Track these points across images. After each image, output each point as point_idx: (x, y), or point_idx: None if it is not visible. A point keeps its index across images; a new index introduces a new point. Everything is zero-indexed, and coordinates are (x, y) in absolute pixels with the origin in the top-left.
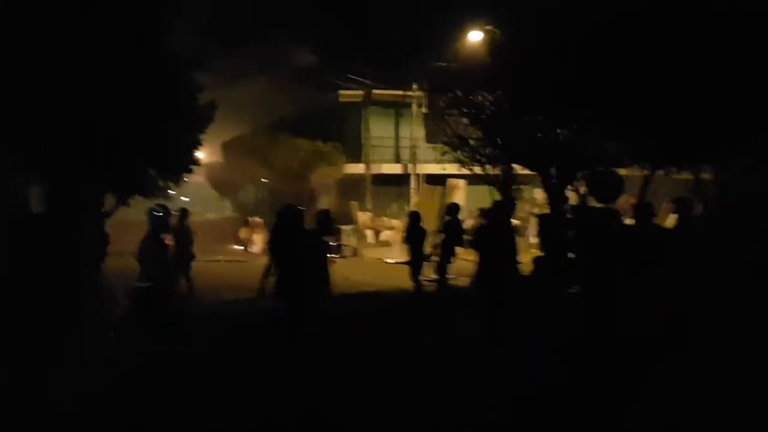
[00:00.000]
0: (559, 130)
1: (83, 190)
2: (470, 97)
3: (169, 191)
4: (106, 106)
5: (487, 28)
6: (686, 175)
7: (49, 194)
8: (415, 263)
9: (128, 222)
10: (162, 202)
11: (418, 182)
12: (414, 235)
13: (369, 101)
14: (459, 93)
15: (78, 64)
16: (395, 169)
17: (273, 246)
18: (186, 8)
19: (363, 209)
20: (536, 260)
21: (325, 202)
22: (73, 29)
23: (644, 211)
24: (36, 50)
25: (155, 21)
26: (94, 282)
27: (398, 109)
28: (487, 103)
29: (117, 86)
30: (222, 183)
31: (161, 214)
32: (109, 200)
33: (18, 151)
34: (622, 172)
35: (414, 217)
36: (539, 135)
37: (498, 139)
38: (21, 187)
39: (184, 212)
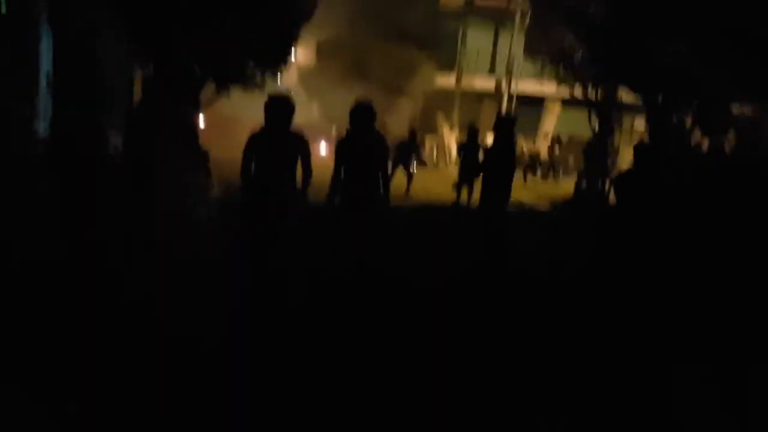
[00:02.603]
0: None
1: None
2: (581, 11)
3: (265, 87)
4: None
5: None
6: None
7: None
8: (460, 177)
9: (228, 116)
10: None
11: (512, 101)
12: (466, 149)
13: (470, 9)
14: (570, 3)
15: None
16: (490, 84)
17: (339, 147)
18: None
19: (450, 122)
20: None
21: (411, 111)
22: None
23: None
24: None
25: None
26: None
27: (500, 19)
28: (597, 18)
29: None
30: (313, 85)
31: (289, 103)
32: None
33: (123, 27)
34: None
35: (471, 132)
36: (649, 55)
37: (605, 57)
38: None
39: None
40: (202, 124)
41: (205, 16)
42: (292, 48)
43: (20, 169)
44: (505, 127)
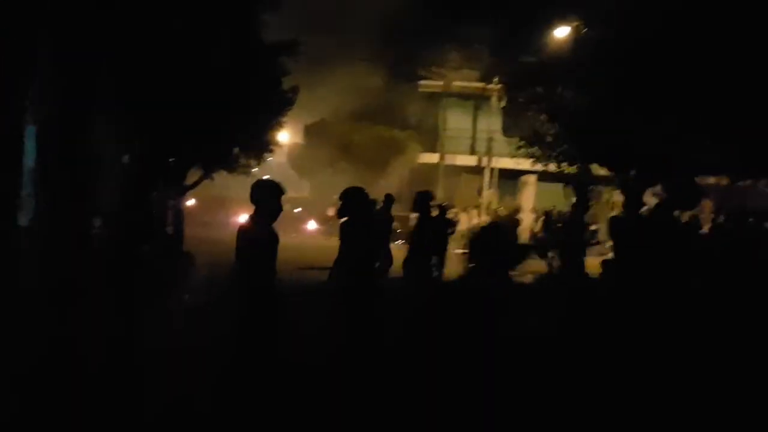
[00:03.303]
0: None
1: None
2: (551, 94)
3: (252, 169)
4: (199, 87)
5: (575, 24)
6: None
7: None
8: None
9: (213, 195)
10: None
11: (492, 176)
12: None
13: (448, 92)
14: (539, 89)
15: (178, 49)
16: (470, 161)
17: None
18: None
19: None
20: (604, 263)
21: (396, 190)
22: (175, 17)
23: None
24: (145, 36)
25: (249, 12)
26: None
27: (477, 101)
28: (568, 100)
29: (210, 70)
30: (302, 164)
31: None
32: (194, 174)
33: (117, 121)
34: (710, 180)
35: (440, 209)
36: (621, 136)
37: (576, 137)
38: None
39: (389, 199)
40: (190, 203)
41: (191, 108)
42: (275, 136)
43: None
44: (423, 203)
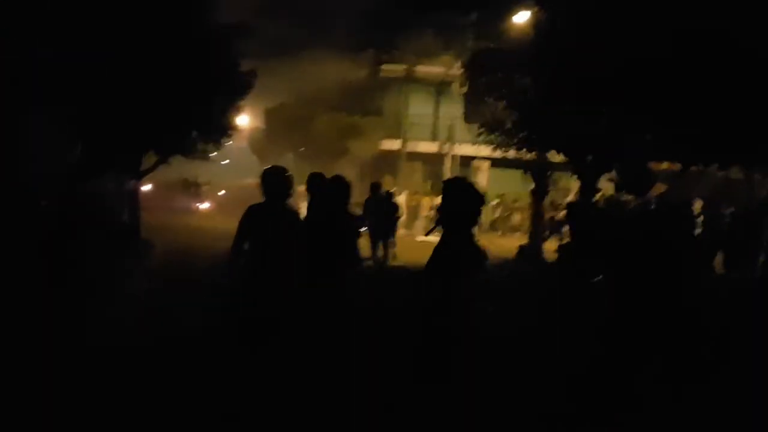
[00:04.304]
0: (595, 120)
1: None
2: (510, 80)
3: (209, 154)
4: (150, 70)
5: (532, 11)
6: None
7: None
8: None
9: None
10: (204, 163)
11: (454, 162)
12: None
13: (410, 78)
14: (499, 75)
15: (126, 30)
16: (432, 147)
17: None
18: None
19: (398, 185)
20: (561, 247)
21: (357, 176)
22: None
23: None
24: (88, 17)
25: None
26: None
27: (439, 87)
28: (526, 87)
29: (161, 51)
30: (263, 149)
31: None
32: (150, 159)
33: (62, 105)
34: (662, 166)
35: (374, 188)
36: (575, 123)
37: (534, 124)
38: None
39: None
40: (145, 189)
41: (145, 88)
42: (233, 120)
43: None
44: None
